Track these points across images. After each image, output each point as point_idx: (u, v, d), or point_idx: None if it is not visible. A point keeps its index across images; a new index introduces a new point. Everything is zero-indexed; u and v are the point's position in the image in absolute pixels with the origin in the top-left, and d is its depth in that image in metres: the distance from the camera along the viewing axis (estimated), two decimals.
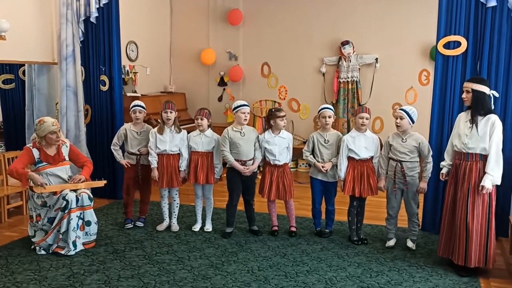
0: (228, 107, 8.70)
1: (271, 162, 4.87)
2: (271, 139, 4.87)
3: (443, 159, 4.33)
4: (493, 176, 3.86)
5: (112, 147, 5.24)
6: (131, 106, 5.19)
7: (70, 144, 4.80)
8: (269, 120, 4.90)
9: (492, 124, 3.90)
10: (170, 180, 5.00)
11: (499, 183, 3.91)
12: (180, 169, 5.01)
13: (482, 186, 3.87)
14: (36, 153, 4.50)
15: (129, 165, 5.14)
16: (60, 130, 4.65)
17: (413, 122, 4.48)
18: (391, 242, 4.72)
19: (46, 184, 4.42)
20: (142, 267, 4.20)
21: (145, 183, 5.23)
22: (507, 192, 4.79)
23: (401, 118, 4.47)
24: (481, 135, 3.92)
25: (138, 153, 5.11)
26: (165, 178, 4.99)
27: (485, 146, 3.92)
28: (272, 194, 4.87)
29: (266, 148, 4.86)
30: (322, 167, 4.76)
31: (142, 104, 5.21)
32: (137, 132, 5.14)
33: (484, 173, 3.89)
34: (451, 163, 4.21)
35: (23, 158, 4.48)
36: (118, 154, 5.21)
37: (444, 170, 4.28)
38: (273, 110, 4.95)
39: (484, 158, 3.95)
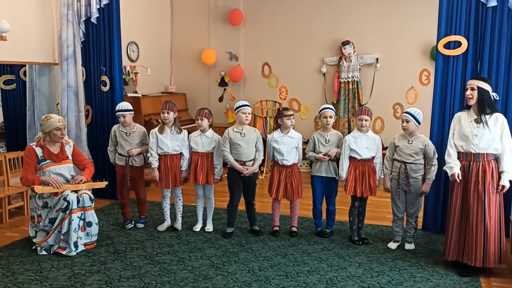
0: (229, 107, 8.71)
1: (280, 162, 4.88)
2: (280, 138, 4.87)
3: (444, 161, 4.17)
4: (510, 174, 3.89)
5: (108, 148, 5.26)
6: (115, 111, 5.17)
7: (74, 144, 4.81)
8: (277, 119, 4.92)
9: (502, 124, 3.93)
10: (174, 180, 5.01)
11: None
12: (181, 169, 5.02)
13: (503, 186, 3.89)
14: (39, 151, 4.51)
15: (118, 167, 5.16)
16: (66, 128, 4.65)
17: (419, 123, 4.49)
18: (393, 246, 4.71)
19: (58, 181, 4.42)
20: (143, 267, 4.20)
21: (137, 184, 5.21)
22: (508, 192, 4.76)
23: (407, 121, 4.47)
24: (493, 135, 3.93)
25: (126, 155, 5.08)
26: (170, 178, 4.99)
27: (497, 146, 3.93)
28: (280, 194, 4.88)
29: (274, 147, 4.88)
30: (327, 153, 4.75)
31: (126, 107, 5.07)
32: (125, 133, 5.10)
33: (499, 172, 3.91)
34: (458, 162, 4.07)
35: (29, 161, 4.48)
36: (111, 157, 5.24)
37: (456, 170, 3.99)
38: (280, 109, 4.98)
39: (495, 157, 3.97)
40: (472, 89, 4.01)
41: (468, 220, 4.02)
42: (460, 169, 4.05)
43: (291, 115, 4.87)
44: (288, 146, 4.86)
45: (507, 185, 3.90)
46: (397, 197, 4.63)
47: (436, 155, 4.51)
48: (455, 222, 4.13)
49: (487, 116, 3.96)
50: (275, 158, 4.93)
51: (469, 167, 4.02)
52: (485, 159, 3.97)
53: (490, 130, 3.93)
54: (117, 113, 5.09)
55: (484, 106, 3.96)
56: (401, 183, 4.57)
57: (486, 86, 3.97)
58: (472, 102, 4.02)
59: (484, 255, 3.97)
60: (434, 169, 4.51)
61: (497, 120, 3.94)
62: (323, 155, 4.77)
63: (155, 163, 4.96)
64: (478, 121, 3.98)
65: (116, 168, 5.24)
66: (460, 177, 4.01)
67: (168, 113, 4.94)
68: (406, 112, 4.51)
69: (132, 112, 5.15)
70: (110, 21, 6.07)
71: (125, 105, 5.11)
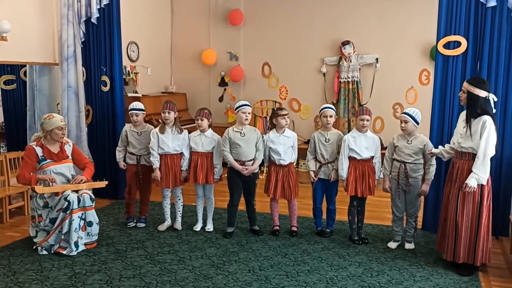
0: (229, 107, 8.72)
1: (276, 162, 4.89)
2: (276, 138, 4.89)
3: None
4: (478, 176, 3.87)
5: (117, 148, 5.31)
6: (128, 109, 5.22)
7: (73, 144, 4.82)
8: (272, 119, 4.94)
9: (483, 125, 3.90)
10: (175, 180, 5.03)
11: (484, 183, 3.91)
12: (182, 168, 5.03)
13: (466, 184, 3.89)
14: (39, 151, 4.53)
15: (129, 166, 5.20)
16: (66, 128, 4.66)
17: (417, 124, 4.50)
18: (393, 245, 4.73)
19: (53, 179, 4.45)
20: (143, 267, 4.21)
21: (145, 184, 5.25)
22: (507, 192, 4.80)
23: (406, 122, 4.49)
24: (473, 135, 3.96)
25: (138, 154, 5.13)
26: (170, 178, 5.00)
27: (473, 145, 3.95)
28: (277, 194, 4.89)
29: (271, 147, 4.89)
30: (330, 177, 4.84)
31: (139, 106, 5.17)
32: (137, 133, 5.16)
33: (471, 171, 3.92)
34: (447, 151, 4.30)
35: (28, 160, 4.49)
36: (118, 156, 5.28)
37: (435, 150, 4.40)
38: (275, 109, 5.01)
39: (475, 157, 3.97)
40: (463, 92, 4.08)
41: (447, 215, 4.15)
42: (450, 165, 4.24)
43: (285, 114, 4.87)
44: (285, 145, 4.88)
45: (471, 184, 3.86)
46: (397, 197, 4.65)
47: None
48: (442, 216, 4.26)
49: (473, 119, 3.98)
50: (271, 158, 4.94)
51: (455, 164, 4.13)
52: (466, 158, 4.02)
53: (471, 131, 3.96)
54: (130, 112, 5.14)
55: (471, 109, 4.00)
56: (400, 183, 4.58)
57: (477, 91, 3.96)
58: (463, 103, 4.13)
59: (454, 250, 4.04)
60: (432, 169, 4.52)
61: (479, 121, 3.94)
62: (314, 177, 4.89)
63: (156, 163, 4.97)
64: (466, 121, 4.04)
65: (126, 167, 5.26)
66: (431, 153, 4.42)
67: (169, 112, 4.96)
68: (405, 113, 4.53)
69: (144, 112, 5.24)
70: (110, 21, 6.08)
71: (138, 104, 5.20)
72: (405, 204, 4.65)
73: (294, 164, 5.01)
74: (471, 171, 3.90)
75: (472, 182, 3.87)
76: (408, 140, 4.54)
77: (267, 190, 4.97)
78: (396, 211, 4.69)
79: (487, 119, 3.91)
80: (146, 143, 5.14)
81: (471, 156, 3.99)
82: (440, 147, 4.43)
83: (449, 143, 4.35)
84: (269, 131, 4.99)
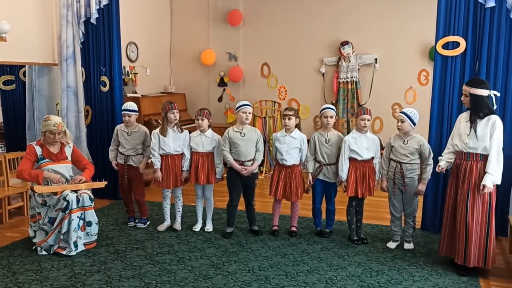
0: (228, 107, 8.73)
1: (280, 162, 4.89)
2: (282, 138, 4.89)
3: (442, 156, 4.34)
4: (493, 176, 3.87)
5: (109, 147, 5.34)
6: (121, 109, 5.23)
7: (74, 146, 4.85)
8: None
9: (493, 124, 3.91)
10: (175, 180, 5.03)
11: (499, 182, 3.91)
12: (182, 169, 5.03)
13: (484, 186, 3.87)
14: (38, 150, 4.57)
15: (119, 165, 5.25)
16: (64, 133, 4.66)
17: (414, 124, 4.50)
18: (393, 245, 4.73)
19: (60, 179, 4.51)
20: (143, 267, 4.22)
21: (134, 184, 5.25)
22: (507, 192, 4.81)
23: (402, 121, 4.49)
24: (482, 136, 3.94)
25: (126, 154, 5.15)
26: (171, 179, 5.01)
27: (485, 146, 3.93)
28: (279, 194, 4.89)
29: (276, 146, 4.90)
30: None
31: (132, 107, 5.15)
32: (127, 133, 5.16)
33: (485, 172, 3.90)
34: (450, 160, 4.22)
35: (29, 157, 4.54)
36: (110, 155, 5.33)
37: (442, 163, 4.23)
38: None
39: (484, 158, 3.96)
40: (465, 95, 4.06)
41: (456, 218, 4.09)
42: (454, 167, 4.15)
43: (287, 115, 4.86)
44: (289, 146, 4.86)
45: (488, 185, 3.86)
46: (393, 197, 4.65)
47: (432, 155, 4.53)
48: (448, 219, 4.20)
49: (479, 120, 3.97)
50: (276, 157, 4.95)
51: (460, 166, 4.07)
52: (474, 159, 3.99)
53: (479, 131, 3.94)
54: (123, 112, 5.16)
55: (476, 111, 3.98)
56: (397, 183, 4.59)
57: (479, 91, 3.96)
58: (467, 106, 4.10)
59: (465, 253, 4.00)
60: (429, 169, 4.53)
61: (488, 120, 3.94)
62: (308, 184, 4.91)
63: (157, 164, 4.98)
64: (471, 122, 4.02)
65: (118, 167, 5.29)
66: (442, 170, 4.23)
67: (177, 112, 4.99)
68: (402, 112, 4.54)
69: (137, 114, 5.24)
70: (109, 21, 6.09)
71: (132, 105, 5.19)
72: (403, 204, 4.65)
73: (300, 166, 4.97)
74: (484, 172, 3.88)
75: (488, 183, 3.86)
76: (404, 141, 4.55)
77: (270, 189, 4.98)
78: (393, 211, 4.70)
79: (496, 118, 3.93)
80: (135, 143, 5.16)
81: (479, 157, 3.97)
82: (443, 158, 4.25)
83: (447, 147, 4.30)
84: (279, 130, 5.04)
